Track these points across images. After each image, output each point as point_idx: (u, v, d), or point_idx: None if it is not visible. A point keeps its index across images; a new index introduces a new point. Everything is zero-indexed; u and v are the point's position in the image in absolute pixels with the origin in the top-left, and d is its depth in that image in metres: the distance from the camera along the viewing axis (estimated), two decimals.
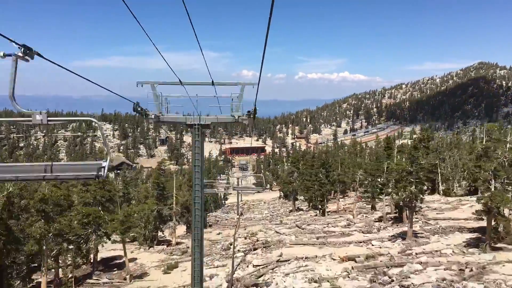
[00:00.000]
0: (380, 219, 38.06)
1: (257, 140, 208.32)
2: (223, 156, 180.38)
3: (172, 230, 39.41)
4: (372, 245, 27.70)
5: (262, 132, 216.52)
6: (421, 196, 26.24)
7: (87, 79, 6.85)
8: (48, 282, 25.45)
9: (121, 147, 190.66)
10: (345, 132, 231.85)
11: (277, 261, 25.80)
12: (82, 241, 29.62)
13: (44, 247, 23.25)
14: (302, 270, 22.74)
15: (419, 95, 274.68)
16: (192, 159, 11.32)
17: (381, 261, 22.75)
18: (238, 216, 54.86)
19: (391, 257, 23.19)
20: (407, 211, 34.17)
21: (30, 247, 22.44)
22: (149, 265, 32.11)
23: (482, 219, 24.92)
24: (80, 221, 28.33)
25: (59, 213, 23.85)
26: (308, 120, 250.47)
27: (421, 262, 21.06)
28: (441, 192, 48.28)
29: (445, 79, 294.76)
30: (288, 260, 25.55)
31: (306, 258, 25.56)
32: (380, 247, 26.64)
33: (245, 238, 37.02)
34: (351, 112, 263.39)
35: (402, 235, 28.78)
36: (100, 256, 34.86)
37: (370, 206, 45.67)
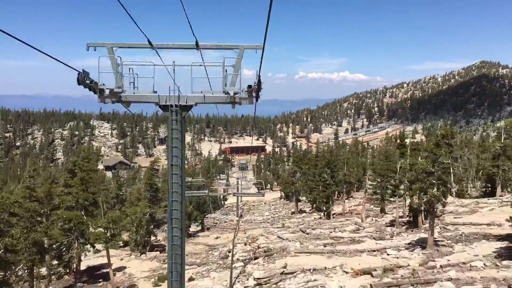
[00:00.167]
0: (391, 224, 35.04)
1: (257, 139, 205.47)
2: (222, 156, 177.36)
3: (166, 234, 36.33)
4: (388, 254, 24.68)
5: (263, 131, 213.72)
6: (444, 200, 23.22)
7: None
8: None
9: (119, 146, 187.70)
10: (346, 131, 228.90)
11: (282, 273, 22.79)
12: (64, 249, 26.70)
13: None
14: (311, 286, 19.72)
15: (420, 94, 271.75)
16: (168, 155, 8.35)
17: (402, 275, 19.73)
18: (237, 218, 52.02)
19: (414, 271, 20.14)
20: (423, 215, 31.23)
21: None
22: (139, 276, 29.13)
23: None
24: (61, 227, 25.34)
25: (11, 225, 20.78)
26: (309, 119, 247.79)
27: (451, 279, 18.05)
28: (454, 193, 45.25)
29: (446, 78, 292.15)
30: (294, 273, 22.53)
31: (314, 270, 22.55)
32: (397, 257, 23.62)
33: (245, 244, 34.00)
34: (352, 111, 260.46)
35: (421, 243, 25.75)
36: (86, 264, 31.88)
37: (379, 208, 42.63)
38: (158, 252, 35.40)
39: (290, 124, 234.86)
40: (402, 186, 33.48)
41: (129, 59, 7.89)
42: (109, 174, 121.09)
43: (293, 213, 57.91)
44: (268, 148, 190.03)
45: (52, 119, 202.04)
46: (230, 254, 29.06)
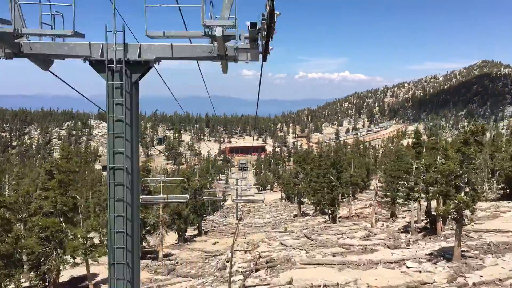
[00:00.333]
0: (405, 229, 32.08)
1: (257, 139, 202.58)
2: (222, 156, 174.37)
3: (159, 241, 33.37)
4: (407, 267, 21.73)
5: (263, 131, 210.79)
6: (473, 206, 20.28)
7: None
8: None
9: None
10: (347, 131, 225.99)
11: None
12: (43, 260, 23.74)
13: None
14: None
15: (422, 94, 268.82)
16: (108, 142, 5.25)
17: None
18: (237, 222, 49.04)
19: None
20: (441, 221, 28.28)
21: None
22: None
23: None
24: (38, 235, 22.37)
25: None
26: (309, 119, 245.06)
27: None
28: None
29: (448, 77, 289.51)
30: None
31: (325, 286, 19.61)
32: (419, 271, 20.66)
33: (245, 252, 31.03)
34: (353, 111, 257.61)
35: (444, 254, 22.80)
36: (69, 274, 28.91)
37: (388, 212, 39.68)
38: (150, 261, 32.40)
39: (291, 124, 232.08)
40: (416, 189, 30.51)
41: None
42: (106, 174, 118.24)
43: (295, 215, 54.92)
44: (268, 148, 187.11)
45: (49, 119, 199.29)
46: (228, 265, 26.10)
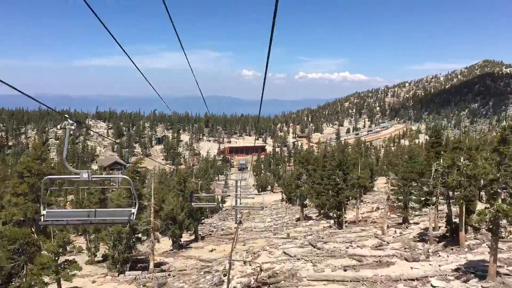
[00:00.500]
0: (421, 238, 29.11)
1: (257, 139, 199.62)
2: (221, 156, 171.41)
3: (150, 250, 30.36)
4: (433, 286, 18.76)
5: (263, 131, 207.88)
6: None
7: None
8: None
9: (115, 146, 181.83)
10: (348, 131, 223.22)
11: None
12: (14, 275, 20.74)
13: None
14: None
15: (423, 94, 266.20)
16: None
17: None
18: (235, 226, 46.08)
19: None
20: (464, 229, 25.32)
21: None
22: None
23: None
24: (5, 248, 19.37)
25: None
26: (310, 119, 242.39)
27: None
28: (484, 199, 39.28)
29: (449, 77, 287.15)
30: None
31: None
32: None
33: (244, 263, 28.02)
34: (354, 110, 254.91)
35: (473, 269, 19.84)
36: None
37: (400, 217, 36.73)
38: (140, 272, 29.39)
39: (291, 124, 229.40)
40: (435, 192, 27.54)
41: None
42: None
43: (298, 219, 51.95)
44: (268, 148, 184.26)
45: (46, 118, 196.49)
46: (225, 279, 23.15)
